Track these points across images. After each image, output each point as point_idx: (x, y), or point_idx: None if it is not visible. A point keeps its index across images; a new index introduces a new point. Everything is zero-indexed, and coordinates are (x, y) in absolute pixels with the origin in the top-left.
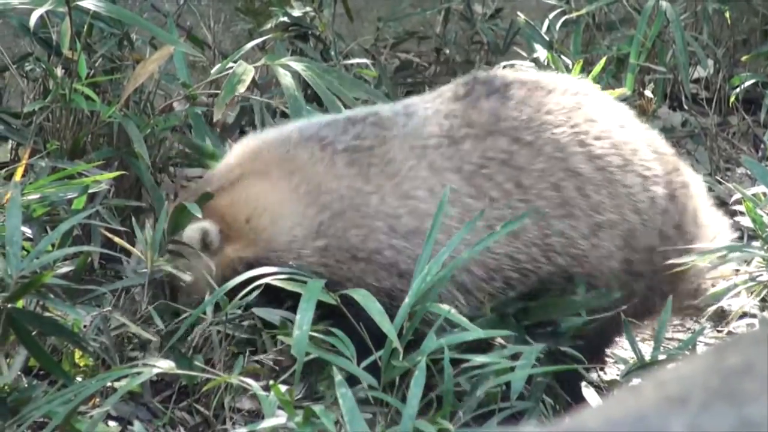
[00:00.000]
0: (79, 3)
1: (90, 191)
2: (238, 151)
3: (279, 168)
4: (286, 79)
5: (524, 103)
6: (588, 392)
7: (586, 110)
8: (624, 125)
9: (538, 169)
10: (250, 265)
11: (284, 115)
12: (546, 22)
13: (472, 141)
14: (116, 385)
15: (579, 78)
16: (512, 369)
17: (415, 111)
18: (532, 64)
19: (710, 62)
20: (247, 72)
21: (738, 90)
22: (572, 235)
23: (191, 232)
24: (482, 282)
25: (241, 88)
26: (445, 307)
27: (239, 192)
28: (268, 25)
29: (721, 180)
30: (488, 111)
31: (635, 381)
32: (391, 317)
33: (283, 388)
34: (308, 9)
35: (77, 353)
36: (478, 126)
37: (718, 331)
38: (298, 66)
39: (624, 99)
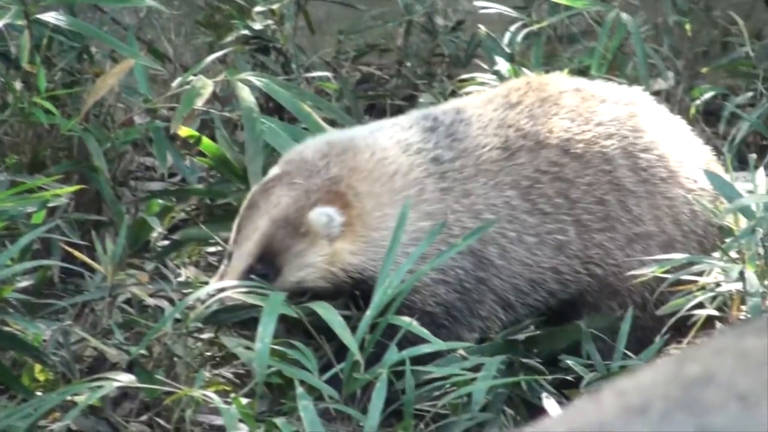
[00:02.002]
0: (38, 16)
1: (49, 205)
2: (322, 146)
3: (378, 170)
4: (244, 92)
5: (576, 112)
6: (549, 402)
7: (636, 121)
8: (674, 137)
9: (586, 182)
10: (354, 277)
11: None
12: (507, 35)
13: (526, 154)
14: (77, 399)
15: (632, 87)
16: (473, 380)
17: (469, 119)
18: (494, 77)
19: (671, 74)
20: (206, 86)
21: (698, 102)
22: (610, 247)
23: (318, 218)
24: (526, 295)
25: (200, 102)
26: (406, 319)
27: (353, 184)
28: (229, 38)
29: None
30: (540, 121)
31: (595, 390)
32: (449, 336)
33: (245, 401)
34: (269, 22)
35: (37, 368)
36: (531, 137)
37: (678, 342)
38: (259, 82)
39: None
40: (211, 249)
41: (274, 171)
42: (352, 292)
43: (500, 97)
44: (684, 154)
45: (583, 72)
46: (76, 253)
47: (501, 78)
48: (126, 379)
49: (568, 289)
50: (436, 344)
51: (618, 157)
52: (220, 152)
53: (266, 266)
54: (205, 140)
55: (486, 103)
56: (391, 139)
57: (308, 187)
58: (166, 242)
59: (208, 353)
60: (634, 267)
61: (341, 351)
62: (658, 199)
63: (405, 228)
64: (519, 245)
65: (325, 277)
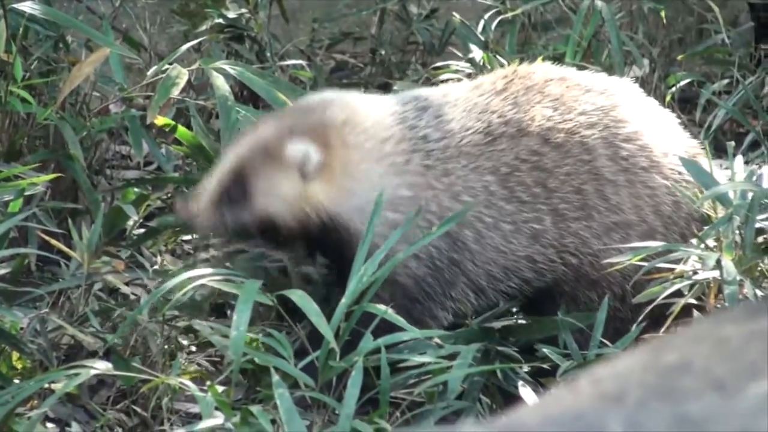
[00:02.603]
0: (14, 5)
1: (26, 193)
2: (326, 96)
3: (373, 130)
4: (219, 81)
5: (559, 101)
6: (525, 391)
7: (620, 111)
8: (659, 128)
9: (565, 172)
10: (325, 222)
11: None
12: (481, 23)
13: (507, 140)
14: (54, 386)
15: (622, 79)
16: (449, 368)
17: (456, 102)
18: (468, 65)
19: (646, 62)
20: (181, 75)
21: (674, 89)
22: (586, 236)
23: (295, 151)
24: (499, 282)
25: (175, 92)
26: (382, 307)
27: (341, 134)
28: (204, 27)
29: None
30: (524, 108)
31: (572, 379)
32: (422, 311)
33: (220, 388)
34: (244, 10)
35: (15, 355)
36: (513, 124)
37: (655, 331)
38: (233, 70)
39: None
40: (187, 237)
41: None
42: (324, 248)
43: (488, 84)
44: (668, 144)
45: (557, 59)
46: (53, 242)
47: (475, 66)
48: (103, 366)
49: (544, 277)
50: (411, 332)
51: (598, 147)
52: (195, 140)
53: (237, 188)
54: (181, 128)
55: (473, 88)
56: (390, 109)
57: (295, 123)
58: (142, 230)
59: (185, 341)
60: (612, 256)
61: (316, 337)
62: (639, 189)
63: (386, 193)
64: (495, 231)
65: (294, 214)
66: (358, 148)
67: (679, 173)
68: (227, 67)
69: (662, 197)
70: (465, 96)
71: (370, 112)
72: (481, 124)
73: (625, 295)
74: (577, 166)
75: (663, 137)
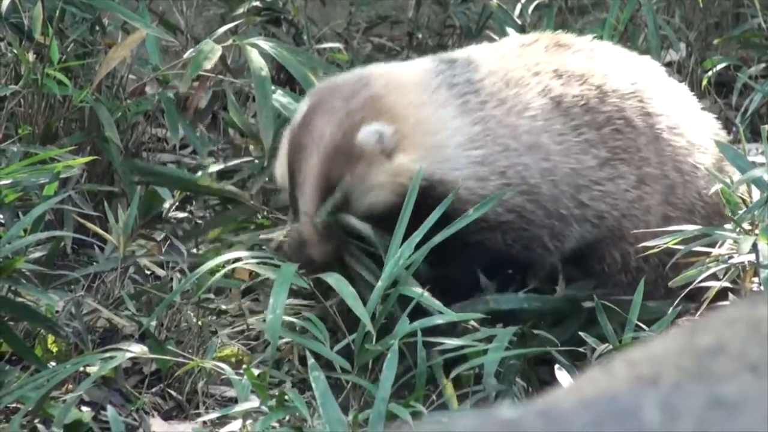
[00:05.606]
0: None
1: (62, 176)
2: (355, 73)
3: (423, 84)
4: (253, 54)
5: (589, 55)
6: (560, 374)
7: (643, 75)
8: (677, 95)
9: (606, 111)
10: (422, 185)
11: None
12: (518, 6)
13: (549, 76)
14: (89, 370)
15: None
16: (485, 352)
17: (484, 56)
18: None
19: (682, 46)
20: (214, 50)
21: (710, 73)
22: (621, 185)
23: (367, 137)
24: (570, 226)
25: (208, 65)
26: (418, 290)
27: (398, 98)
28: (241, 10)
29: None
30: (556, 56)
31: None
32: (531, 239)
33: (256, 372)
34: None
35: (50, 338)
36: (551, 65)
37: (691, 313)
38: (267, 46)
39: None
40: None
41: (303, 106)
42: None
43: (512, 43)
44: (689, 112)
45: None
46: (89, 225)
47: None
48: (138, 349)
49: (593, 232)
50: (447, 314)
51: (630, 98)
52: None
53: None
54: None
55: (497, 48)
56: (420, 66)
57: (349, 108)
58: (178, 213)
59: (220, 324)
60: (644, 209)
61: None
62: (663, 145)
63: (463, 133)
64: (561, 145)
65: (395, 191)
66: (420, 105)
67: (699, 137)
68: (262, 44)
69: (683, 158)
70: (491, 52)
71: (408, 72)
72: (519, 63)
73: (648, 258)
74: (615, 110)
75: (680, 102)
